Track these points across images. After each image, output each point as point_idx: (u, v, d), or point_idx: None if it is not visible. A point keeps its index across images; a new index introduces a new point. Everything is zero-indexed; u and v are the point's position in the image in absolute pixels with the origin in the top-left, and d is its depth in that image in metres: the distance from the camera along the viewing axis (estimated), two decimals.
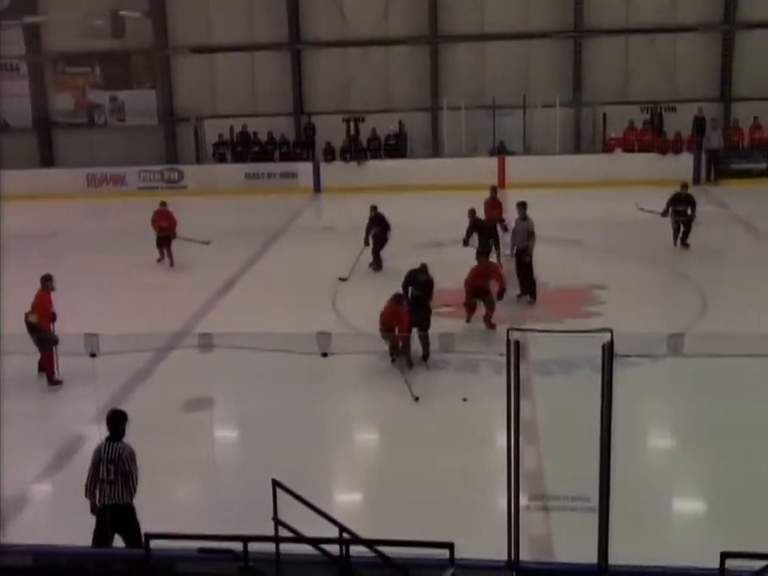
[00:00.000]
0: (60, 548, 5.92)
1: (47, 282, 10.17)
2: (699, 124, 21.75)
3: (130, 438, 6.21)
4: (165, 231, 15.14)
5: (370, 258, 14.15)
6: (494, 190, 14.75)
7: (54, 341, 9.83)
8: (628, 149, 21.76)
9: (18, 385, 9.54)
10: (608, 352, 5.76)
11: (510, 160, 21.85)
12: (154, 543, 5.16)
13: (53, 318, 9.89)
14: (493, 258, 12.56)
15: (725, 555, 5.34)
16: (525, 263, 12.35)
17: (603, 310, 11.93)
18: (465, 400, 9.03)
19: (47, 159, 25.63)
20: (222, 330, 10.55)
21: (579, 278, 13.44)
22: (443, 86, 23.51)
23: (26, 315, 9.84)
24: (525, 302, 12.29)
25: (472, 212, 13.67)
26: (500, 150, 22.53)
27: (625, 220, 16.91)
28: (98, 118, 25.47)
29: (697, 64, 22.68)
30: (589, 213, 14.94)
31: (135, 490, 6.19)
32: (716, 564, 5.23)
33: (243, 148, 23.74)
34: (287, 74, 24.25)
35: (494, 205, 14.44)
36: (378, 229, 14.10)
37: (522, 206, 12.65)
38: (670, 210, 14.38)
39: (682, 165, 21.03)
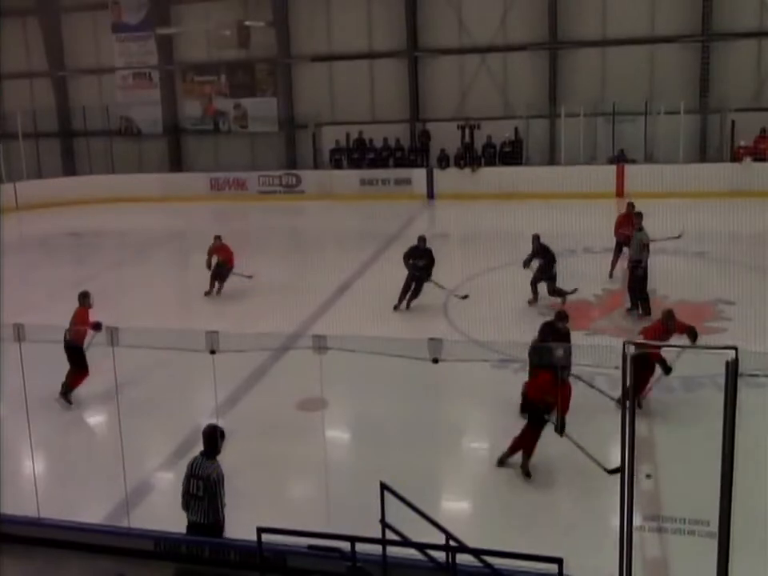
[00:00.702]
0: (179, 535, 6.21)
1: (84, 299, 10.00)
2: None
3: (248, 434, 6.43)
4: (222, 265, 14.42)
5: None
6: (631, 205, 13.82)
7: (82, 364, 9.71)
8: (758, 158, 20.69)
9: (142, 375, 10.05)
10: (732, 370, 5.53)
11: (629, 168, 21.22)
12: (266, 537, 5.33)
13: (95, 326, 9.22)
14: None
15: None
16: (638, 276, 11.95)
17: (728, 326, 11.40)
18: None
19: (175, 163, 26.90)
20: (336, 332, 10.78)
21: (703, 292, 12.89)
22: (561, 93, 23.11)
23: (65, 333, 9.45)
24: (636, 316, 11.89)
25: (536, 237, 12.98)
26: (619, 158, 21.92)
27: (753, 232, 16.11)
28: (223, 125, 26.52)
29: None
30: (714, 224, 14.28)
31: (222, 512, 6.06)
32: None
33: (359, 154, 24.13)
34: (404, 81, 24.48)
35: (626, 221, 13.65)
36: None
37: (638, 216, 12.25)
38: None
39: None
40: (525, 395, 7.94)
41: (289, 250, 16.97)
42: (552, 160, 22.98)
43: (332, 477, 7.83)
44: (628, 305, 12.13)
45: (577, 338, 10.81)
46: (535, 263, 12.68)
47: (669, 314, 9.02)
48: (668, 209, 16.92)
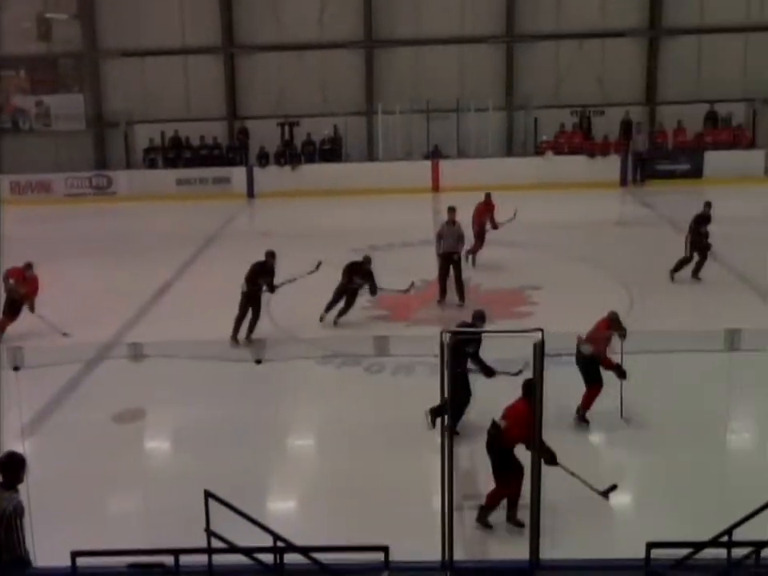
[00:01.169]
0: None
1: None
2: (626, 127, 22.34)
3: (59, 452, 6.04)
4: (20, 299, 11.16)
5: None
6: (488, 195, 14.72)
7: None
8: (559, 152, 22.21)
9: None
10: (539, 351, 5.88)
11: (444, 163, 22.06)
12: (82, 561, 5.03)
13: None
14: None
15: (650, 546, 5.50)
16: (454, 262, 12.37)
17: (535, 309, 12.14)
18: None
19: None
20: (154, 338, 10.40)
21: (513, 280, 13.64)
22: (378, 90, 23.60)
23: None
24: (455, 305, 12.38)
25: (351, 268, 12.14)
26: (434, 154, 22.72)
27: (557, 222, 17.27)
28: (23, 124, 24.74)
29: (624, 69, 23.29)
30: (521, 215, 15.16)
31: (23, 546, 5.32)
32: (642, 554, 5.38)
33: (175, 153, 23.39)
34: (220, 78, 24.00)
35: (485, 210, 14.47)
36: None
37: (451, 210, 12.69)
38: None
39: (610, 167, 21.58)
40: (502, 435, 6.80)
41: (101, 255, 16.11)
42: (370, 156, 23.43)
43: (154, 489, 7.54)
44: (447, 296, 12.54)
45: (397, 329, 11.12)
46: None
47: (615, 317, 8.86)
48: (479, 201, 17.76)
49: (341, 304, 11.55)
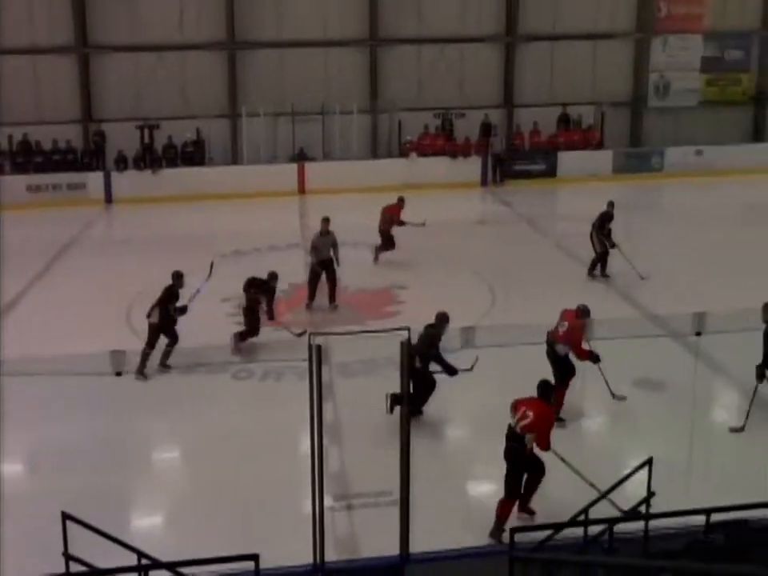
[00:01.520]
0: None
1: None
2: (485, 129, 23.11)
3: None
4: None
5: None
6: (400, 199, 14.92)
7: None
8: (422, 153, 22.69)
9: None
10: (406, 349, 5.99)
11: (309, 166, 22.03)
12: None
13: None
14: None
15: (514, 530, 5.73)
16: (328, 267, 12.38)
17: (403, 308, 12.35)
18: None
19: None
20: (7, 356, 9.80)
21: (380, 280, 13.80)
22: (242, 93, 23.24)
23: None
24: (325, 309, 12.39)
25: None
26: (300, 157, 22.65)
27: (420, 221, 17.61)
28: None
29: (483, 73, 24.07)
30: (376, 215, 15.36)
31: None
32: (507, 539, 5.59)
33: (24, 158, 22.11)
34: (74, 79, 22.91)
35: (393, 209, 14.69)
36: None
37: (325, 221, 12.54)
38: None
39: (471, 168, 22.27)
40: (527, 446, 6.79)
41: None
42: (235, 160, 23.06)
43: (8, 513, 7.11)
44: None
45: (265, 334, 10.99)
46: None
47: (586, 311, 9.02)
48: (346, 204, 17.93)
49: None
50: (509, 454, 6.84)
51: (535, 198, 20.54)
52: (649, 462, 7.09)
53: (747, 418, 8.44)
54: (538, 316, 9.69)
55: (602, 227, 13.64)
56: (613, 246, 13.55)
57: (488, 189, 21.99)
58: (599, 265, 13.70)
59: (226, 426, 8.78)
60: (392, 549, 6.06)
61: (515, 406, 6.96)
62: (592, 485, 6.77)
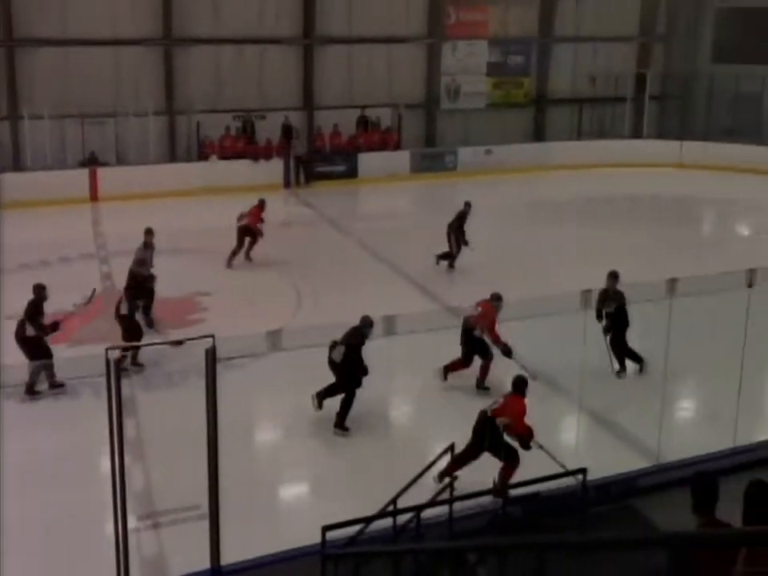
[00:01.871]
0: None
1: None
2: (286, 131, 23.12)
3: None
4: None
5: None
6: (261, 201, 15.12)
7: None
8: (223, 156, 22.29)
9: None
10: (211, 357, 5.84)
11: (102, 171, 20.90)
12: None
13: None
14: None
15: (325, 528, 5.77)
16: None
17: (207, 316, 12.06)
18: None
19: None
20: None
21: (182, 287, 13.38)
22: (23, 93, 21.60)
23: None
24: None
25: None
26: (91, 162, 21.43)
27: (224, 226, 17.29)
28: None
29: (282, 75, 23.99)
30: (189, 222, 14.96)
31: None
32: (319, 538, 5.62)
33: None
34: None
35: (257, 212, 14.92)
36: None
37: (149, 233, 12.11)
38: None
39: (273, 170, 22.19)
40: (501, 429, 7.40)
41: None
42: (17, 166, 21.36)
43: None
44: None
45: (58, 351, 10.30)
46: None
47: (498, 296, 9.93)
48: (143, 210, 17.22)
49: None
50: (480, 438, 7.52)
51: (338, 199, 20.86)
52: (451, 448, 7.44)
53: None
54: (347, 314, 9.82)
55: (460, 226, 14.33)
56: (466, 243, 14.28)
57: (291, 191, 22.04)
58: (449, 259, 14.42)
59: (15, 453, 8.13)
60: (203, 563, 5.91)
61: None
62: (562, 466, 7.08)
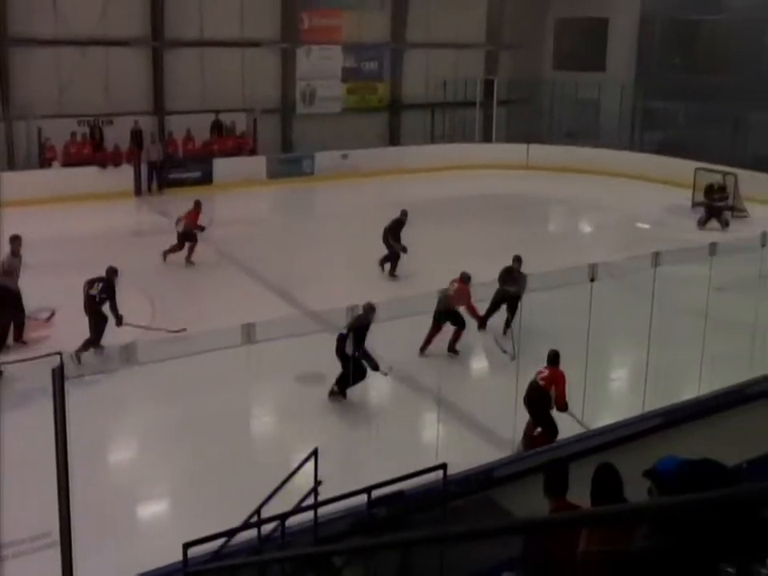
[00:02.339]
0: None
1: None
2: (137, 137, 22.31)
3: None
4: None
5: None
6: (197, 203, 15.37)
7: None
8: (69, 163, 21.21)
9: None
10: (58, 376, 5.50)
11: None
12: None
13: None
14: None
15: (186, 546, 5.59)
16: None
17: (52, 332, 11.40)
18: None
19: None
20: None
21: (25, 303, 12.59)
22: None
23: None
24: None
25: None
26: None
27: (72, 236, 16.48)
28: None
29: (131, 78, 23.09)
30: (34, 232, 14.00)
31: None
32: (180, 556, 5.44)
33: None
34: None
35: (195, 217, 15.16)
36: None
37: (15, 239, 11.40)
38: None
39: (123, 177, 21.33)
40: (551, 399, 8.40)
41: None
42: None
43: None
44: None
45: None
46: None
47: (468, 275, 11.12)
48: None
49: None
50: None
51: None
52: (314, 453, 7.41)
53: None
54: (205, 323, 9.62)
55: (395, 232, 14.57)
56: (404, 250, 14.52)
57: (143, 198, 21.27)
58: (390, 265, 14.65)
59: None
60: None
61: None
62: (586, 426, 7.96)
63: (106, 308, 10.60)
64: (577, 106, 27.12)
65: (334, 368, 10.00)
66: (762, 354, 10.05)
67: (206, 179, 22.48)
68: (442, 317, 11.03)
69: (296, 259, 13.97)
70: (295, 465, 7.21)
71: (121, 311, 10.61)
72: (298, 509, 6.71)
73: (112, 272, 10.81)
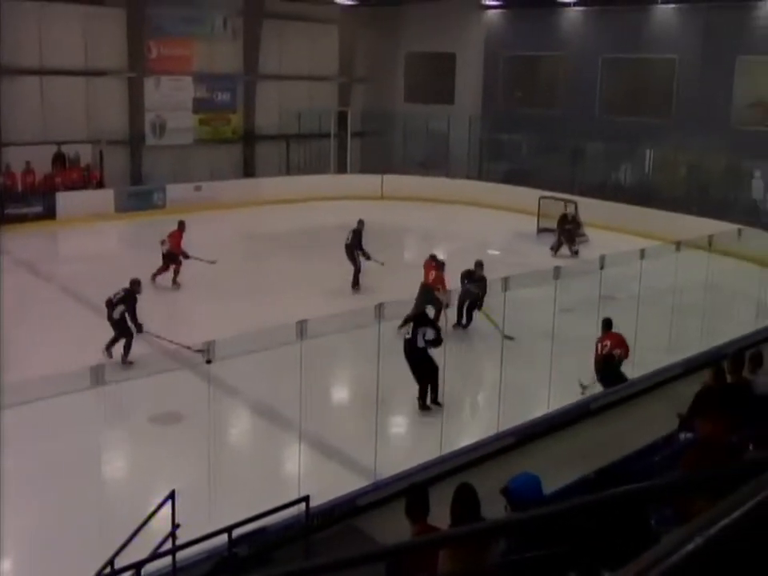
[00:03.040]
0: None
1: None
2: None
3: None
4: None
5: None
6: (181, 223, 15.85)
7: None
8: None
9: None
10: None
11: None
12: None
13: None
14: None
15: None
16: None
17: None
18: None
19: None
20: None
21: None
22: None
23: None
24: None
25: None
26: None
27: None
28: None
29: None
30: None
31: None
32: None
33: None
34: None
35: (179, 236, 15.80)
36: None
37: None
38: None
39: None
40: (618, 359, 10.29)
41: None
42: None
43: None
44: None
45: None
46: None
47: (435, 257, 13.48)
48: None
49: None
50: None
51: (35, 242, 19.17)
52: (171, 496, 7.12)
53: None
54: (50, 365, 9.05)
55: (358, 244, 15.61)
56: (368, 258, 15.59)
57: None
58: (353, 278, 15.59)
59: None
60: None
61: (598, 341, 10.44)
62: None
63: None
64: (428, 138, 28.01)
65: (191, 406, 9.70)
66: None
67: (49, 214, 21.32)
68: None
69: (147, 295, 13.46)
70: (151, 509, 6.90)
71: None
72: (155, 555, 6.41)
73: (135, 283, 12.04)
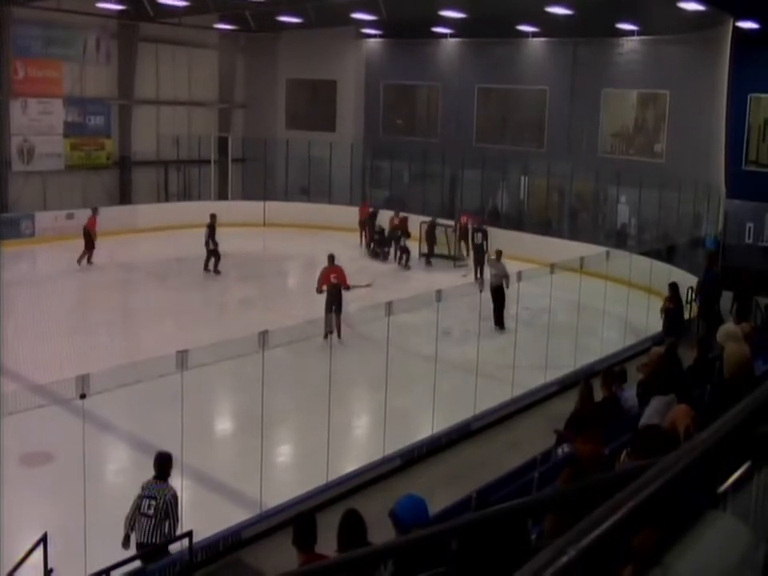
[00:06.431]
0: None
1: None
2: None
3: None
4: None
5: None
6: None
7: None
8: None
9: None
10: None
11: None
12: None
13: None
14: None
15: None
16: None
17: None
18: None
19: None
20: None
21: None
22: None
23: None
24: None
25: None
26: None
27: None
28: None
29: None
30: None
31: (173, 533, 6.28)
32: None
33: None
34: None
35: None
36: None
37: None
38: None
39: None
40: None
41: None
42: None
43: None
44: None
45: None
46: None
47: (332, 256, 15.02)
48: None
49: None
50: None
51: None
52: (44, 539, 6.71)
53: None
54: None
55: (212, 235, 18.91)
56: (216, 245, 18.85)
57: None
58: (214, 263, 18.96)
59: None
60: None
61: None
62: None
63: None
64: (310, 165, 28.04)
65: (62, 445, 9.21)
66: (482, 391, 10.84)
67: None
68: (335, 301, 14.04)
69: (12, 330, 12.69)
70: (22, 554, 6.49)
71: None
72: None
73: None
